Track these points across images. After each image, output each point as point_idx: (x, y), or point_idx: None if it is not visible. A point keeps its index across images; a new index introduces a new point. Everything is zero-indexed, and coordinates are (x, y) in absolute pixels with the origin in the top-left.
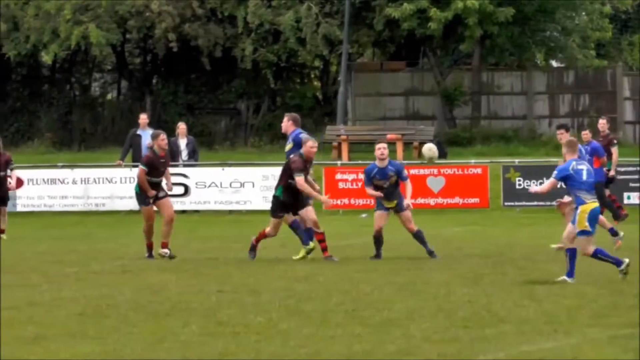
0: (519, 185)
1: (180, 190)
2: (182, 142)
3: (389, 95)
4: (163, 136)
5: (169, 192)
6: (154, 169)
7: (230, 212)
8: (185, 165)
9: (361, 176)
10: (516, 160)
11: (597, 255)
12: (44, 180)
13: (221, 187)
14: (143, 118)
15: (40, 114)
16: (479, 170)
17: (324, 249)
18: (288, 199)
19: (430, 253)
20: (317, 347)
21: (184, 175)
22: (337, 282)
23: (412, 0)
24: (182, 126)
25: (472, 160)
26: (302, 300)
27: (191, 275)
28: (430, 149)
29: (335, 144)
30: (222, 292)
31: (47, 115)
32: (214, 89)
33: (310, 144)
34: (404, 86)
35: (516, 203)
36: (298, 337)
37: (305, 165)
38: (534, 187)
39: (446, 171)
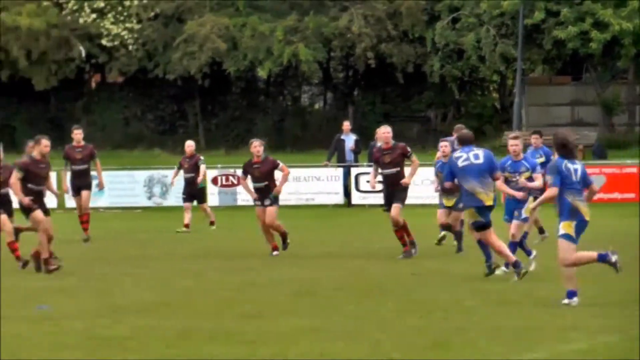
0: None
1: None
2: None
3: (556, 105)
4: (45, 142)
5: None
6: (33, 176)
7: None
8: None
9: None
10: None
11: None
12: None
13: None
14: (346, 125)
15: (256, 122)
16: (634, 170)
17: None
18: None
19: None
20: (496, 323)
21: None
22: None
23: (575, 23)
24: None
25: (629, 161)
26: (485, 281)
27: (387, 261)
28: None
29: None
30: (415, 275)
31: (262, 122)
32: (407, 100)
33: None
34: (569, 97)
35: None
36: (479, 313)
37: None
38: None
39: (606, 170)
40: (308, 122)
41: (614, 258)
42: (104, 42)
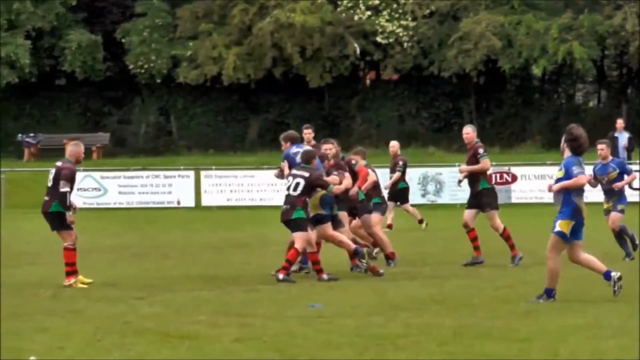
0: None
1: None
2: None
3: None
4: None
5: None
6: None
7: None
8: None
9: None
10: None
11: None
12: (534, 176)
13: None
14: (619, 122)
15: (531, 119)
16: None
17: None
18: None
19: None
20: None
21: None
22: None
23: None
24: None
25: None
26: None
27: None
28: None
29: None
30: None
31: (537, 120)
32: None
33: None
34: None
35: None
36: None
37: None
38: None
39: None
40: (583, 120)
41: (615, 286)
42: (378, 39)
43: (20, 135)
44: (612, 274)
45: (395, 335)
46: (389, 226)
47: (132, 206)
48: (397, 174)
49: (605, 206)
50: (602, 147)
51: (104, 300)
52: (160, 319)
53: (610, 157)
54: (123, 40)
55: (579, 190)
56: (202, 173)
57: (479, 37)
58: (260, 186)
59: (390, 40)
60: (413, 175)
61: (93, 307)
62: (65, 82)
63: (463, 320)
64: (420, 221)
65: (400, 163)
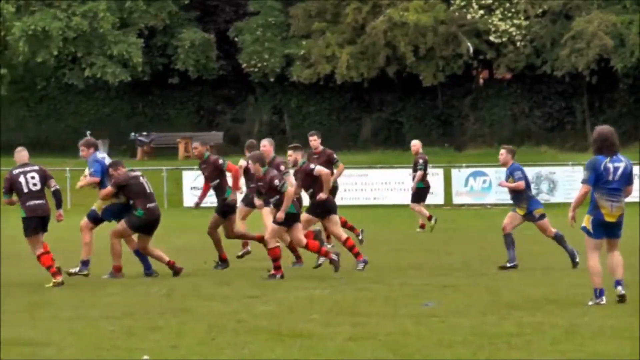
0: None
1: None
2: None
3: None
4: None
5: None
6: None
7: None
8: None
9: None
10: None
11: None
12: None
13: None
14: None
15: None
16: None
17: None
18: None
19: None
20: None
21: None
22: None
23: None
24: None
25: None
26: None
27: None
28: None
29: None
30: None
31: None
32: None
33: None
34: None
35: None
36: None
37: None
38: None
39: None
40: None
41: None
42: (491, 38)
43: (133, 134)
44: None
45: (509, 334)
46: (422, 226)
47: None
48: (419, 173)
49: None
50: (501, 153)
51: (217, 299)
52: (273, 318)
53: (511, 162)
54: (236, 39)
55: (601, 187)
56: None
57: (591, 37)
58: (374, 185)
59: (503, 39)
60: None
61: (206, 305)
62: (178, 80)
63: (575, 319)
64: (429, 218)
65: (421, 162)
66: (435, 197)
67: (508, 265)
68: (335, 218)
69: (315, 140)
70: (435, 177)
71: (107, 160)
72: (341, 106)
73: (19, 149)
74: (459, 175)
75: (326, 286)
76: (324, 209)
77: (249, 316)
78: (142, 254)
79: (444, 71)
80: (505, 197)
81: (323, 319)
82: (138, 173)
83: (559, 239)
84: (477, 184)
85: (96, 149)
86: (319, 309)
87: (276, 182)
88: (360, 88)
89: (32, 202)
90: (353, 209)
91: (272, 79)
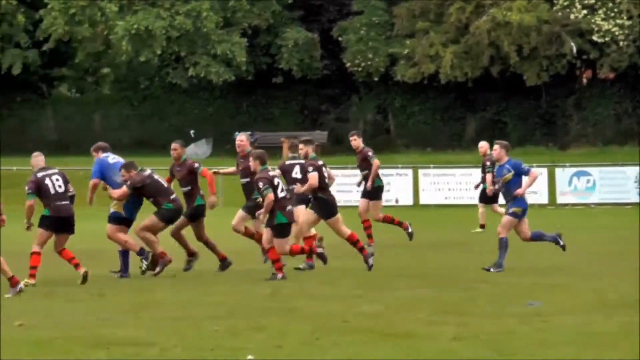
0: None
1: None
2: None
3: None
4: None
5: None
6: None
7: None
8: None
9: None
10: None
11: None
12: None
13: None
14: None
15: None
16: None
17: None
18: None
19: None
20: None
21: None
22: None
23: None
24: None
25: None
26: None
27: None
28: None
29: None
30: None
31: None
32: None
33: None
34: None
35: None
36: None
37: None
38: None
39: None
40: None
41: None
42: (594, 38)
43: (236, 133)
44: None
45: (614, 334)
46: (482, 226)
47: (350, 204)
48: (489, 175)
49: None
50: (495, 148)
51: (321, 298)
52: (378, 318)
53: (506, 158)
54: (340, 38)
55: None
56: (420, 171)
57: None
58: None
59: (607, 39)
60: (630, 174)
61: (310, 305)
62: (282, 80)
63: None
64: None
65: (488, 163)
66: (540, 196)
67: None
68: (339, 217)
69: (355, 140)
70: (539, 176)
71: (112, 159)
72: (445, 106)
73: (36, 153)
74: (562, 174)
75: (431, 285)
76: (327, 210)
77: (353, 316)
78: (127, 256)
79: (547, 71)
80: (610, 197)
81: (427, 318)
82: (149, 171)
83: (537, 237)
84: (581, 184)
85: (104, 151)
86: (424, 309)
87: (260, 184)
88: (464, 87)
89: (58, 203)
90: (458, 208)
91: (376, 79)
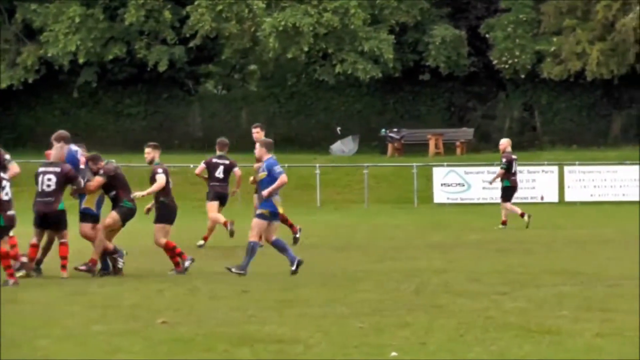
0: None
1: None
2: None
3: None
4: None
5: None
6: None
7: None
8: None
9: None
10: None
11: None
12: None
13: None
14: None
15: None
16: None
17: None
18: None
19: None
20: None
21: None
22: None
23: None
24: None
25: None
26: None
27: None
28: None
29: None
30: None
31: None
32: None
33: None
34: None
35: None
36: None
37: None
38: None
39: None
40: None
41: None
42: None
43: (383, 130)
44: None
45: None
46: (503, 222)
47: (495, 201)
48: (499, 171)
49: None
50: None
51: (466, 295)
52: (522, 314)
53: (267, 156)
54: (487, 36)
55: None
56: (566, 168)
57: None
58: (623, 181)
59: None
60: None
61: (456, 302)
62: (429, 77)
63: None
64: (504, 223)
65: (504, 161)
66: None
67: None
68: (169, 228)
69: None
70: None
71: (76, 149)
72: (591, 103)
73: (57, 145)
74: None
75: (576, 282)
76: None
77: (498, 312)
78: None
79: None
80: None
81: (572, 315)
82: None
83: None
84: None
85: (66, 142)
86: (569, 305)
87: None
88: (610, 85)
89: (39, 199)
90: (603, 205)
91: (522, 76)
